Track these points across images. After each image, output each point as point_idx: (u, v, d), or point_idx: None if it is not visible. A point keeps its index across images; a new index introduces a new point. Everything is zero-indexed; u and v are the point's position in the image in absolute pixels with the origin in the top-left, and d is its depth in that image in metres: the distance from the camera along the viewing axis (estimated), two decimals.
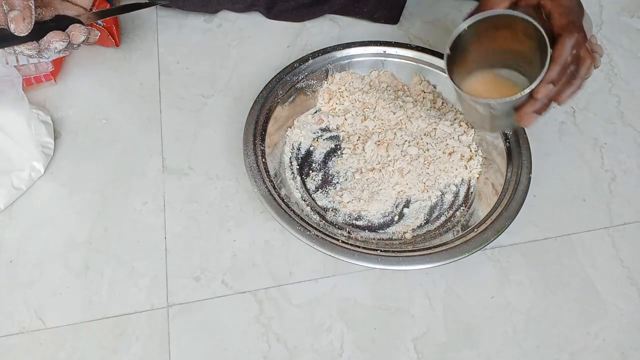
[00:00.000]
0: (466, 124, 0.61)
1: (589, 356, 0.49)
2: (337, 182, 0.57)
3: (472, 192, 0.57)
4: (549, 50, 0.42)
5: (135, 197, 0.56)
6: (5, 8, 0.41)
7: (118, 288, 0.51)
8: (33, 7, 0.42)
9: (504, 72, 0.49)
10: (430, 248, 0.49)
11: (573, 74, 0.44)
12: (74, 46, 0.47)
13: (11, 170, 0.55)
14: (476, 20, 0.45)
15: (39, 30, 0.43)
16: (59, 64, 0.65)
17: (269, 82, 0.59)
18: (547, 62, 0.42)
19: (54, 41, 0.45)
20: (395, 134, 0.59)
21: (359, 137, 0.60)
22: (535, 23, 0.43)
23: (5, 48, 0.43)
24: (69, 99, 0.63)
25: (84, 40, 0.47)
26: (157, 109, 0.63)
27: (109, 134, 0.61)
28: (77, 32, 0.46)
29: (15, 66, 0.59)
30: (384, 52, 0.63)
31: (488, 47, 0.48)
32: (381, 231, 0.54)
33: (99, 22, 0.65)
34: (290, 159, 0.59)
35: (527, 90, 0.43)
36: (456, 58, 0.47)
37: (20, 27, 0.41)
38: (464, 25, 0.46)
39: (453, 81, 0.46)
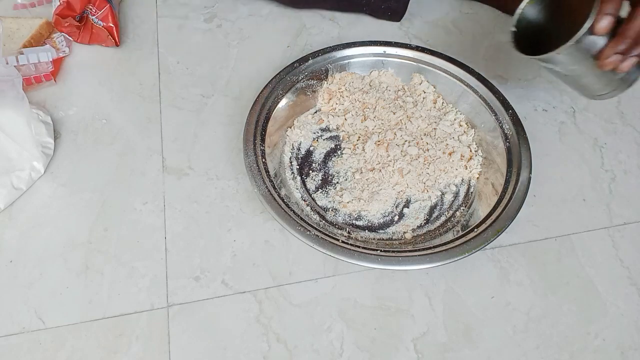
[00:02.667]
0: (466, 124, 0.61)
1: (589, 356, 0.49)
2: (337, 182, 0.57)
3: (472, 192, 0.57)
4: None
5: (135, 197, 0.56)
6: None
7: (118, 288, 0.51)
8: None
9: None
10: (430, 248, 0.49)
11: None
12: None
13: (11, 170, 0.55)
14: None
15: None
16: (59, 64, 0.65)
17: (269, 82, 0.59)
18: None
19: None
20: (395, 134, 0.59)
21: (359, 137, 0.60)
22: None
23: None
24: (69, 99, 0.63)
25: None
26: (157, 109, 0.63)
27: (109, 134, 0.61)
28: None
29: (15, 66, 0.59)
30: (384, 52, 0.63)
31: (561, 19, 0.48)
32: (381, 231, 0.54)
33: (99, 22, 0.65)
34: (290, 159, 0.59)
35: (584, 29, 0.42)
36: (531, 35, 0.48)
37: None
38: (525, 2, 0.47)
39: (521, 52, 0.47)
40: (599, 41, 0.44)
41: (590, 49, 0.45)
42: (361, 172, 0.57)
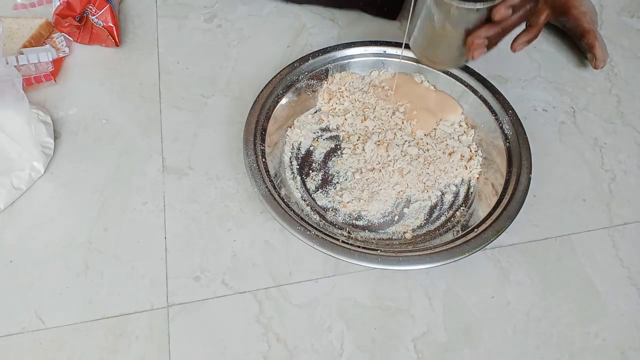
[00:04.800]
0: (466, 124, 0.61)
1: (589, 356, 0.49)
2: (337, 182, 0.57)
3: (472, 192, 0.57)
4: None
5: (135, 197, 0.56)
6: None
7: (118, 288, 0.51)
8: None
9: None
10: (430, 248, 0.49)
11: (529, 13, 0.45)
12: None
13: (11, 170, 0.55)
14: None
15: None
16: (59, 64, 0.65)
17: (269, 82, 0.59)
18: None
19: None
20: (395, 134, 0.59)
21: (359, 137, 0.60)
22: None
23: None
24: (69, 99, 0.63)
25: None
26: (157, 109, 0.63)
27: (109, 134, 0.61)
28: None
29: (15, 66, 0.59)
30: (384, 52, 0.63)
31: None
32: (381, 231, 0.54)
33: (99, 22, 0.65)
34: (290, 158, 0.59)
35: (489, 4, 0.43)
36: None
37: None
38: None
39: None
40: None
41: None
42: (361, 172, 0.57)
